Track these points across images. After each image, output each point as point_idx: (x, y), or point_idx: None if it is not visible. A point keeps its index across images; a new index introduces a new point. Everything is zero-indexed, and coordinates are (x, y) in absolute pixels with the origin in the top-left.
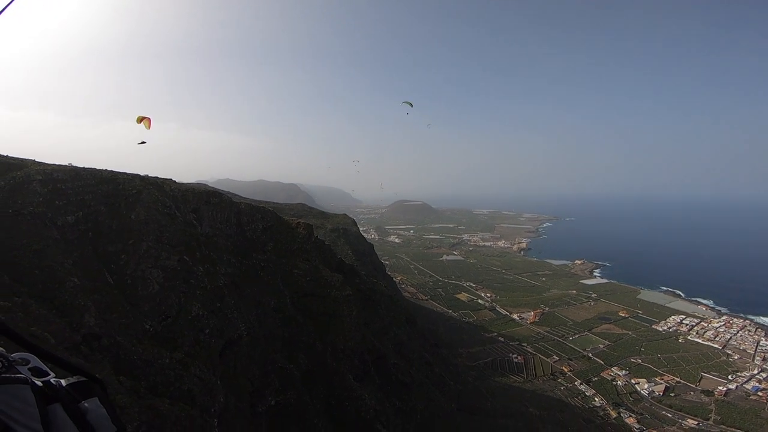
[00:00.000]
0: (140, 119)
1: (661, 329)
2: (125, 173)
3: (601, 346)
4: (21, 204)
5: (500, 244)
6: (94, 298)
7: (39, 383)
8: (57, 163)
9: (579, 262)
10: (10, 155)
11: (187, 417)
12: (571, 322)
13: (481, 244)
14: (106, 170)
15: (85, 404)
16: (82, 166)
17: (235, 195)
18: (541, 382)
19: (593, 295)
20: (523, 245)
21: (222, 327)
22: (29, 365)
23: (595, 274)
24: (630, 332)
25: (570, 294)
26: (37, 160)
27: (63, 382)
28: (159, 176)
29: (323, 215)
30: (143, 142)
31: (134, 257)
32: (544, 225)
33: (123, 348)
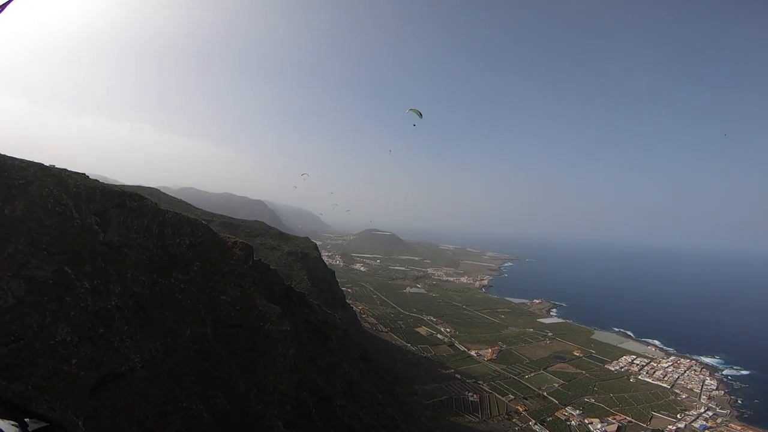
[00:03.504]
0: None
1: (613, 369)
2: (21, 159)
3: (556, 385)
4: None
5: (463, 279)
6: None
7: (12, 427)
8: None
9: (537, 301)
10: None
11: None
12: (527, 360)
13: (445, 278)
14: None
15: None
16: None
17: (193, 207)
18: (495, 422)
19: (549, 334)
20: (485, 282)
21: (100, 357)
22: None
23: (551, 313)
24: (584, 371)
25: (527, 332)
26: None
27: (28, 425)
28: (70, 169)
29: (282, 236)
30: None
31: None
32: (506, 264)
33: None
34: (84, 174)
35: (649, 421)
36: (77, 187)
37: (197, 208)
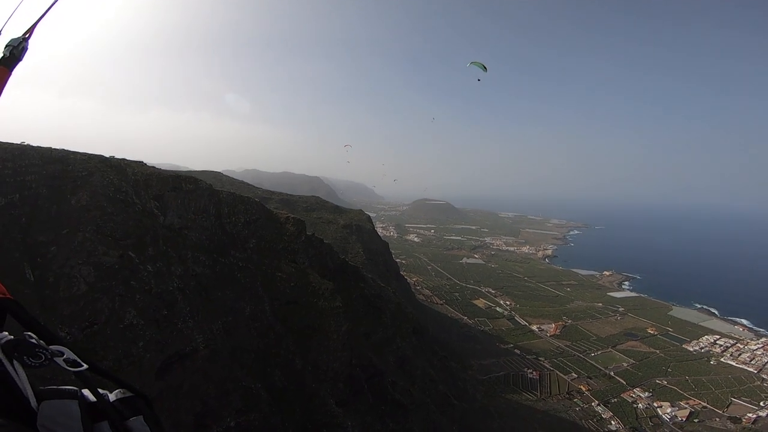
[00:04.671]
0: None
1: (692, 349)
2: (82, 153)
3: (625, 364)
4: None
5: (524, 249)
6: None
7: (90, 398)
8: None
9: (607, 273)
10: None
11: None
12: (594, 337)
13: (504, 248)
14: (59, 149)
15: (131, 423)
16: (43, 145)
17: (254, 187)
18: (555, 401)
19: (620, 309)
20: (549, 252)
21: (164, 339)
22: (63, 357)
23: (623, 286)
24: (657, 351)
25: (595, 306)
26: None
27: (111, 396)
28: (127, 158)
29: (337, 210)
30: None
31: (64, 250)
32: (572, 232)
33: None
34: (141, 162)
35: (727, 407)
36: (135, 175)
37: (258, 188)
